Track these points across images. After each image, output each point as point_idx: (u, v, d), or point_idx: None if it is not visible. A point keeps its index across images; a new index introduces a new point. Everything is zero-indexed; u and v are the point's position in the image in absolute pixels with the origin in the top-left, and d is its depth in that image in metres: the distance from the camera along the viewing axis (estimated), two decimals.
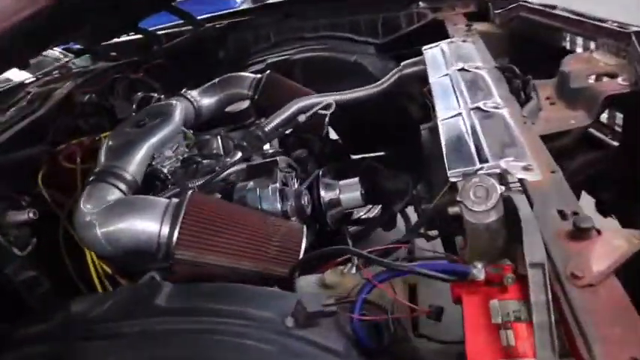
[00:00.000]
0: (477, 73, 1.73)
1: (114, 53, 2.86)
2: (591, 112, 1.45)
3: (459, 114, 1.49)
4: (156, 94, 2.39)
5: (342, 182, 1.84)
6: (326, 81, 2.54)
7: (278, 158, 1.68)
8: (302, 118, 1.84)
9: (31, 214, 1.43)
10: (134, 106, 2.28)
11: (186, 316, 1.02)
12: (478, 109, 1.47)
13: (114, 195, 1.54)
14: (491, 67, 1.75)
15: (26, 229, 1.48)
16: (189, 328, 0.99)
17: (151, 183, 1.73)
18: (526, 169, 1.15)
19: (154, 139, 1.75)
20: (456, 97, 1.59)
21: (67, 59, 2.87)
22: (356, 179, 1.83)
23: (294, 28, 2.79)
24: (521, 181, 1.13)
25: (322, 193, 1.78)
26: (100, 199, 1.51)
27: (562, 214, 1.02)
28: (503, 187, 1.12)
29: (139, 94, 2.38)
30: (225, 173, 1.67)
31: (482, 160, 1.22)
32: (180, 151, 1.89)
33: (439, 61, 1.93)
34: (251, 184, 1.57)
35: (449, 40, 2.08)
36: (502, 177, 1.16)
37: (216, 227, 1.35)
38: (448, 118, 1.50)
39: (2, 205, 1.44)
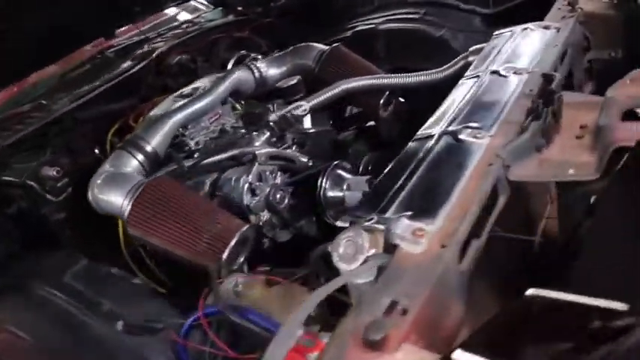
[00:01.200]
0: (505, 80, 1.40)
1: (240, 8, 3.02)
2: (600, 163, 1.07)
3: (429, 137, 1.25)
4: (252, 54, 2.51)
5: (351, 178, 1.72)
6: (409, 56, 2.32)
7: (258, 152, 1.64)
8: (273, 117, 1.82)
9: (54, 172, 1.72)
10: (230, 64, 2.43)
11: (62, 293, 1.18)
12: (452, 134, 1.21)
13: (131, 164, 1.71)
14: (533, 73, 1.39)
15: (63, 180, 1.79)
16: (58, 304, 1.15)
17: (178, 152, 1.88)
18: (415, 234, 0.95)
19: (179, 116, 1.85)
20: (450, 112, 1.32)
21: (199, 12, 3.13)
22: (364, 178, 1.69)
23: None
24: (394, 247, 0.94)
25: (327, 187, 1.70)
26: (117, 167, 1.71)
27: (391, 306, 0.83)
28: (373, 251, 0.96)
29: (242, 52, 2.51)
30: (229, 154, 1.70)
31: (386, 209, 1.03)
32: (220, 122, 1.98)
33: (488, 54, 1.60)
34: (229, 172, 1.59)
35: (524, 25, 1.68)
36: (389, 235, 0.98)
37: (164, 214, 1.43)
38: (415, 140, 1.27)
39: (40, 160, 1.75)
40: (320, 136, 2.01)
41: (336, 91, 1.91)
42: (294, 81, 2.06)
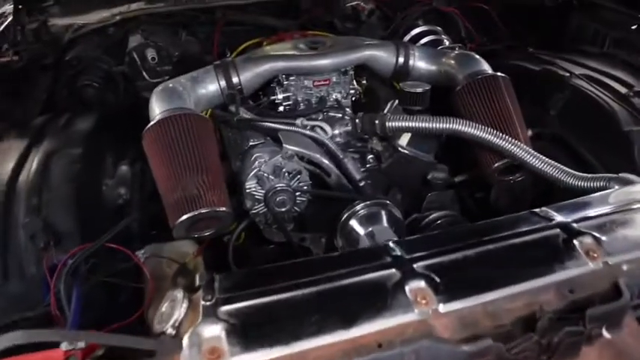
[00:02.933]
0: None
1: None
2: None
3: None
4: (441, 36, 2.18)
5: (380, 227, 1.44)
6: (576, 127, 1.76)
7: (285, 146, 1.42)
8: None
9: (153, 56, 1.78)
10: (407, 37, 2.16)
11: None
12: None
13: (210, 86, 1.64)
14: None
15: (163, 67, 1.85)
16: None
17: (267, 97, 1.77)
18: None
19: (282, 64, 1.69)
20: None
21: None
22: (393, 236, 1.41)
23: None
24: None
25: (350, 220, 1.46)
26: (195, 80, 1.64)
27: None
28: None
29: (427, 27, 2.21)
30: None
31: None
32: (329, 90, 1.79)
33: None
34: (261, 146, 1.45)
35: None
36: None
37: (168, 149, 1.36)
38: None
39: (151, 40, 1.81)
40: (408, 161, 1.70)
41: (444, 126, 1.54)
42: (420, 89, 1.72)
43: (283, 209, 1.43)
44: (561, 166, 1.45)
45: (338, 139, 1.72)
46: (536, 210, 1.09)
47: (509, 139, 1.53)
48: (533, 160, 1.50)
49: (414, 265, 0.90)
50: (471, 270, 0.91)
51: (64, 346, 0.81)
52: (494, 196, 1.82)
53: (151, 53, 1.80)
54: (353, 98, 1.86)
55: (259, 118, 1.58)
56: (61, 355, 0.80)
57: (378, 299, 0.84)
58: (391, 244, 0.99)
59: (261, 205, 1.44)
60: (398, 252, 0.96)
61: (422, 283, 0.86)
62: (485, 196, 1.87)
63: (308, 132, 1.55)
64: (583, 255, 0.94)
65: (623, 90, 1.66)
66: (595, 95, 1.68)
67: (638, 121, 1.58)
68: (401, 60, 1.87)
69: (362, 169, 1.69)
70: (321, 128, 1.59)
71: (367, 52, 1.84)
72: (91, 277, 1.10)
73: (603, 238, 0.97)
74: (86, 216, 1.28)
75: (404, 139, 1.71)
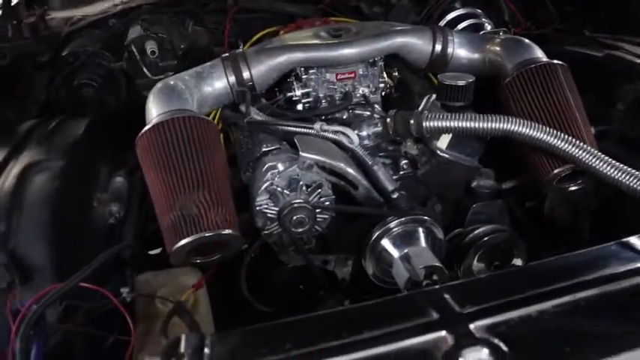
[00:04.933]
0: None
1: None
2: None
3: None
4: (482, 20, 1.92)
5: (418, 249, 1.20)
6: None
7: (303, 154, 1.19)
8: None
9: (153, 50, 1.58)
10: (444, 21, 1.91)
11: None
12: None
13: (216, 83, 1.43)
14: None
15: (165, 63, 1.65)
16: None
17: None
18: None
19: (300, 55, 1.46)
20: None
21: None
22: (430, 252, 1.17)
23: None
24: None
25: (382, 241, 1.23)
26: (200, 76, 1.43)
27: None
28: None
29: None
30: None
31: None
32: (355, 84, 1.55)
33: None
34: (276, 153, 1.24)
35: None
36: None
37: (165, 158, 1.15)
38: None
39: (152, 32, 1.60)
40: (449, 167, 1.45)
41: (493, 126, 1.29)
42: (463, 82, 1.45)
43: (301, 229, 1.20)
44: (638, 173, 1.18)
45: (366, 142, 1.49)
46: (628, 240, 0.83)
47: (572, 139, 1.27)
48: (602, 165, 1.23)
49: (471, 326, 0.67)
50: (552, 332, 0.67)
51: None
52: (548, 206, 1.56)
53: (150, 46, 1.59)
54: (383, 93, 1.62)
55: (272, 120, 1.36)
56: None
57: None
58: (441, 289, 0.75)
59: (275, 224, 1.22)
60: (449, 301, 0.72)
61: (484, 354, 0.63)
62: (538, 205, 1.61)
63: (331, 135, 1.32)
64: None
65: None
66: None
67: None
68: (438, 47, 1.62)
69: (395, 177, 1.45)
70: (344, 134, 1.34)
71: (399, 40, 1.59)
72: (62, 325, 0.90)
73: None
74: (67, 243, 1.07)
75: (443, 141, 1.45)
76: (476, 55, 1.63)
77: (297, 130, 1.32)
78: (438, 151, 1.45)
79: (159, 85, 1.38)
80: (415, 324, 0.68)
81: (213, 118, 1.57)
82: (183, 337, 0.68)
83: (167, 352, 0.68)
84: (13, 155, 1.22)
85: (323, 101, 1.55)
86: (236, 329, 0.71)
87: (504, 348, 0.64)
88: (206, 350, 0.67)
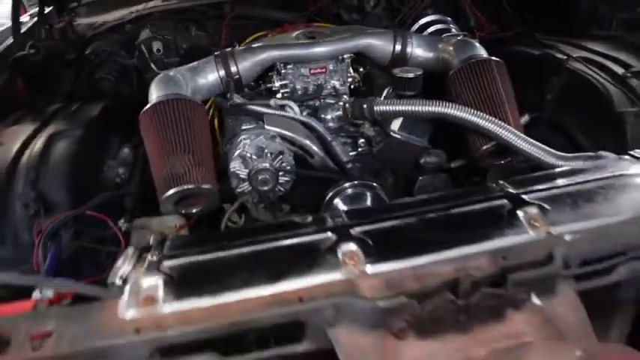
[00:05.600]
0: None
1: None
2: None
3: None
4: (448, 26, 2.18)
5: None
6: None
7: (268, 127, 1.47)
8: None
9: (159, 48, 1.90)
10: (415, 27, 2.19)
11: None
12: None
13: (209, 76, 1.74)
14: None
15: (170, 59, 1.97)
16: None
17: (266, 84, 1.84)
18: None
19: (278, 53, 1.77)
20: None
21: None
22: None
23: None
24: None
25: (333, 201, 1.50)
26: (195, 70, 1.74)
27: None
28: None
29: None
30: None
31: None
32: (326, 78, 1.84)
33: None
34: (250, 129, 1.52)
35: None
36: None
37: (162, 131, 1.46)
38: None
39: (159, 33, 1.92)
40: (399, 146, 1.72)
41: (435, 110, 1.55)
42: (412, 74, 1.72)
43: (266, 188, 1.49)
44: (545, 147, 1.42)
45: (330, 124, 1.77)
46: (493, 183, 1.09)
47: (495, 120, 1.51)
48: (518, 141, 1.48)
49: (351, 230, 0.94)
50: (407, 235, 0.94)
51: (34, 295, 0.91)
52: (490, 181, 1.81)
53: (157, 45, 1.91)
54: (351, 86, 1.90)
55: (249, 102, 1.65)
56: (31, 304, 0.90)
57: (309, 259, 0.89)
58: (342, 212, 1.03)
59: (246, 183, 1.51)
60: (343, 217, 1.00)
61: (353, 246, 0.90)
62: (482, 180, 1.85)
63: (293, 115, 1.62)
64: (525, 224, 0.94)
65: (620, 71, 1.61)
66: (591, 77, 1.64)
67: (633, 102, 1.54)
68: (398, 47, 1.89)
69: (353, 154, 1.73)
70: (291, 107, 1.66)
71: (364, 41, 1.87)
72: (74, 242, 1.21)
73: (550, 208, 0.97)
74: (80, 190, 1.39)
75: (396, 124, 1.73)
76: (431, 54, 1.89)
77: (263, 110, 1.61)
78: (391, 132, 1.72)
79: (160, 75, 1.70)
80: (313, 229, 0.96)
81: (210, 107, 1.88)
82: (152, 235, 0.98)
83: (141, 249, 0.97)
84: (43, 128, 1.55)
85: (298, 91, 1.83)
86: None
87: (370, 243, 0.92)
88: (167, 243, 0.96)
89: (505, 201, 0.99)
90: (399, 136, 1.72)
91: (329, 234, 0.93)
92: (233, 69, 1.77)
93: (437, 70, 1.84)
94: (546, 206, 0.97)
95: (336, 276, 0.86)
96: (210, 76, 1.78)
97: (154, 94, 1.61)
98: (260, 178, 1.47)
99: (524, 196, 1.00)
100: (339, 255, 0.89)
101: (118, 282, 0.89)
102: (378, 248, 0.90)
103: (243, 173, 1.49)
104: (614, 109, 1.53)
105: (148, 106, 1.54)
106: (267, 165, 1.47)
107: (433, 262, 0.88)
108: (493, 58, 1.71)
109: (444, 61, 1.85)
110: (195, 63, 1.80)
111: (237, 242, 0.94)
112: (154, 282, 0.86)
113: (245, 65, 1.79)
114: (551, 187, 1.04)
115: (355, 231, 0.94)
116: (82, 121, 1.61)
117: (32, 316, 0.85)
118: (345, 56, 1.86)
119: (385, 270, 0.87)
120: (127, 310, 0.83)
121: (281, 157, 1.49)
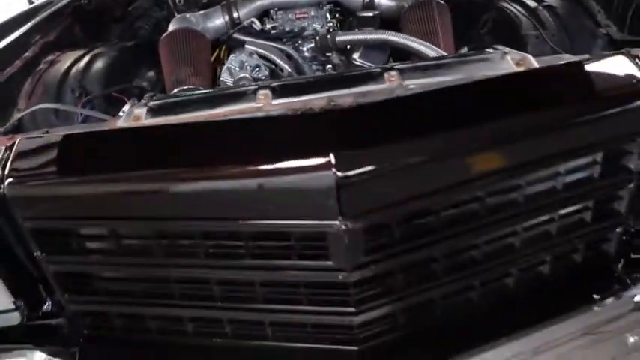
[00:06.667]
0: None
1: None
2: None
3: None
4: None
5: None
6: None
7: (249, 42, 2.00)
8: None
9: None
10: None
11: None
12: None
13: (216, 20, 2.28)
14: None
15: None
16: None
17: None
18: None
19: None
20: None
21: None
22: None
23: None
24: None
25: None
26: (203, 17, 2.31)
27: None
28: None
29: None
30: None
31: None
32: (309, 22, 2.30)
33: None
34: (240, 50, 2.05)
35: None
36: None
37: (173, 52, 2.03)
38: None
39: None
40: None
41: (378, 37, 2.00)
42: (370, 14, 2.18)
43: None
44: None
45: (306, 54, 2.25)
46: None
47: (423, 42, 1.94)
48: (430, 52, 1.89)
49: (273, 83, 1.42)
50: (307, 85, 1.41)
51: None
52: None
53: None
54: (330, 30, 2.36)
55: (241, 34, 2.18)
56: None
57: (238, 98, 1.38)
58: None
59: None
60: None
61: (268, 91, 1.38)
62: None
63: (272, 44, 2.12)
64: (385, 79, 1.38)
65: (533, 5, 2.00)
66: (511, 12, 2.03)
67: (536, 28, 1.92)
68: None
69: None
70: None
71: None
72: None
73: (408, 72, 1.41)
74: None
75: (357, 54, 2.18)
76: (393, 3, 2.33)
77: (249, 39, 2.12)
78: (353, 60, 2.18)
79: (178, 16, 2.26)
80: (251, 85, 1.46)
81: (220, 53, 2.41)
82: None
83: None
84: (89, 51, 2.15)
85: (287, 32, 2.32)
86: None
87: (278, 88, 1.39)
88: (160, 95, 1.49)
89: (380, 69, 1.44)
90: (359, 63, 2.17)
91: (255, 86, 1.42)
92: (235, 15, 2.30)
93: (397, 15, 2.29)
94: (407, 71, 1.41)
95: (250, 105, 1.35)
96: (217, 20, 2.32)
97: (171, 27, 2.17)
98: (241, 84, 1.98)
99: (395, 66, 1.44)
100: (257, 95, 1.38)
101: (121, 114, 1.42)
102: (282, 91, 1.38)
103: (229, 81, 2.01)
104: (521, 33, 1.93)
105: (166, 34, 2.10)
106: (247, 75, 1.98)
107: (317, 98, 1.34)
108: (435, 0, 2.14)
109: (402, 8, 2.29)
110: (206, 10, 2.34)
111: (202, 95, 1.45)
112: (141, 111, 1.39)
113: (244, 12, 2.32)
114: (423, 64, 1.47)
115: (275, 84, 1.42)
116: (117, 47, 2.20)
117: None
118: (324, 3, 2.34)
119: (284, 102, 1.35)
120: (122, 124, 1.36)
121: (258, 69, 2.00)
